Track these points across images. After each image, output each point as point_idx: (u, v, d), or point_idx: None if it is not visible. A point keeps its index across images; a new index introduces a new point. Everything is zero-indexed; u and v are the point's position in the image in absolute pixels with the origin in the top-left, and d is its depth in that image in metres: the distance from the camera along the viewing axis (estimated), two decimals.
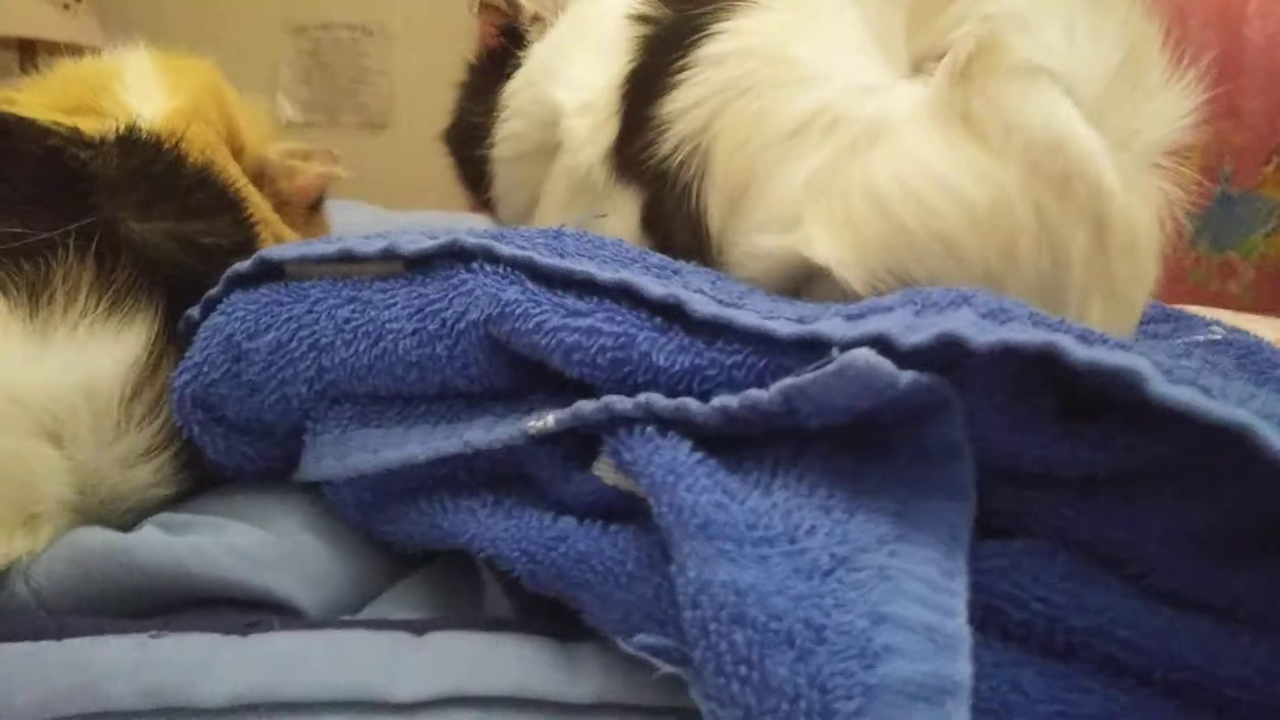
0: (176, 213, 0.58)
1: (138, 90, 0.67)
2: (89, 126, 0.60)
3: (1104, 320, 0.50)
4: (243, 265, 0.53)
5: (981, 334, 0.36)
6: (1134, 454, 0.39)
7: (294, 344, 0.51)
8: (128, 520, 0.53)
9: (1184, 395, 0.33)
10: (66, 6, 2.40)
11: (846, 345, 0.38)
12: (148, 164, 0.60)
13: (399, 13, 2.80)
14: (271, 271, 0.54)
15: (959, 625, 0.33)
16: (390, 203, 1.80)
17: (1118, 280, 0.50)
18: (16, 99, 0.62)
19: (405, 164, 2.62)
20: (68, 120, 0.60)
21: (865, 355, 0.36)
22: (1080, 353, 0.35)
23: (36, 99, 0.63)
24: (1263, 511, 0.38)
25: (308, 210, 0.82)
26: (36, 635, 0.43)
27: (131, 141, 0.60)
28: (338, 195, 1.80)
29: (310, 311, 0.51)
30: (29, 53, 2.41)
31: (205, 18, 2.78)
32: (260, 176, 0.75)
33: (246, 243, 0.63)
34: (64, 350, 0.50)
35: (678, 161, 0.58)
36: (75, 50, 0.81)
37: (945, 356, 0.37)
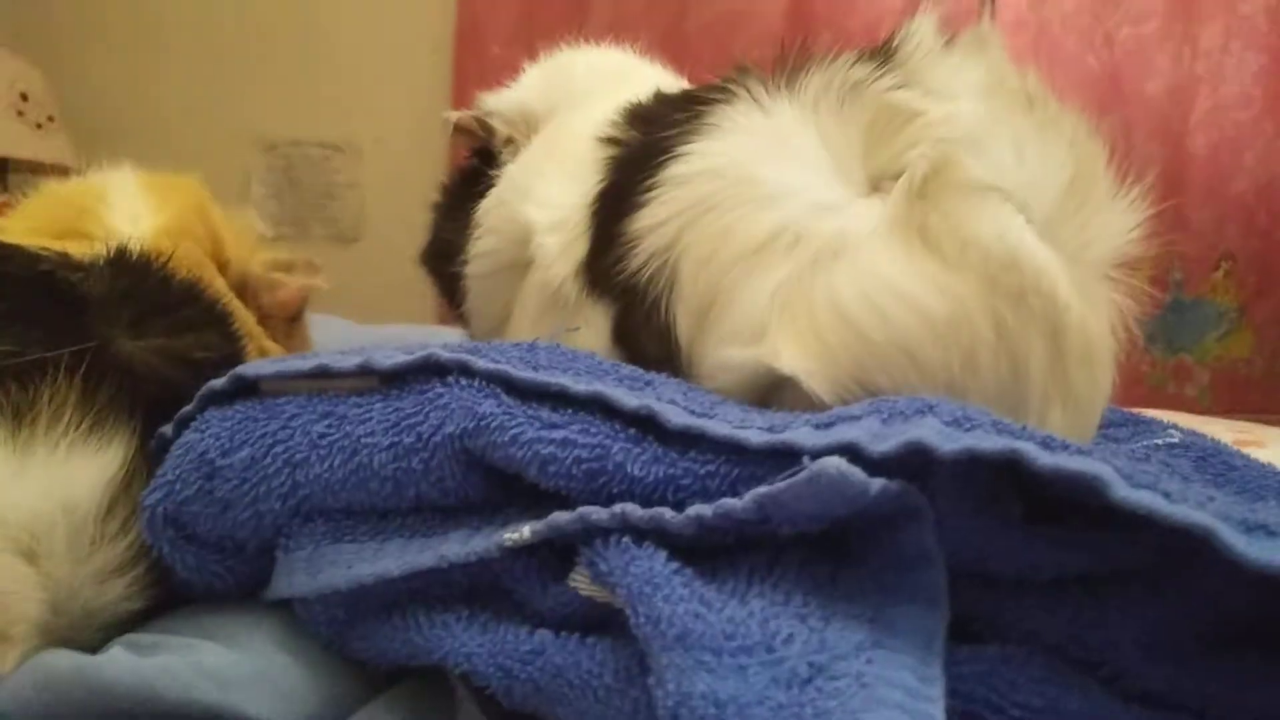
0: (167, 329, 0.59)
1: (123, 210, 0.68)
2: (76, 250, 0.61)
3: (1064, 426, 0.51)
4: (218, 383, 0.54)
5: (947, 442, 0.37)
6: (1101, 556, 0.40)
7: (268, 460, 0.51)
8: (96, 640, 0.52)
9: (1145, 499, 0.34)
10: (39, 126, 2.44)
11: (817, 454, 0.39)
12: (138, 283, 0.61)
13: (368, 130, 2.86)
14: (246, 389, 0.54)
15: None
16: (360, 315, 1.82)
17: (1076, 387, 0.52)
18: (2, 226, 0.62)
19: (374, 277, 2.65)
20: (56, 245, 0.61)
21: (836, 464, 0.37)
22: (1043, 459, 0.36)
23: (21, 225, 0.63)
24: (1229, 611, 0.39)
25: (289, 322, 0.83)
26: None
27: (121, 262, 0.61)
28: (311, 310, 1.81)
29: (285, 428, 0.51)
30: (1, 171, 2.43)
31: (177, 135, 2.82)
32: (244, 289, 0.76)
33: (234, 356, 0.64)
34: (44, 467, 0.50)
35: (647, 276, 0.60)
36: (49, 170, 0.83)
37: (913, 464, 0.38)
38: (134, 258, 0.62)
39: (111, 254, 0.62)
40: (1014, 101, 0.57)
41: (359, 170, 2.89)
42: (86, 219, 0.66)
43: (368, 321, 1.69)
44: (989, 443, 0.37)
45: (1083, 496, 0.35)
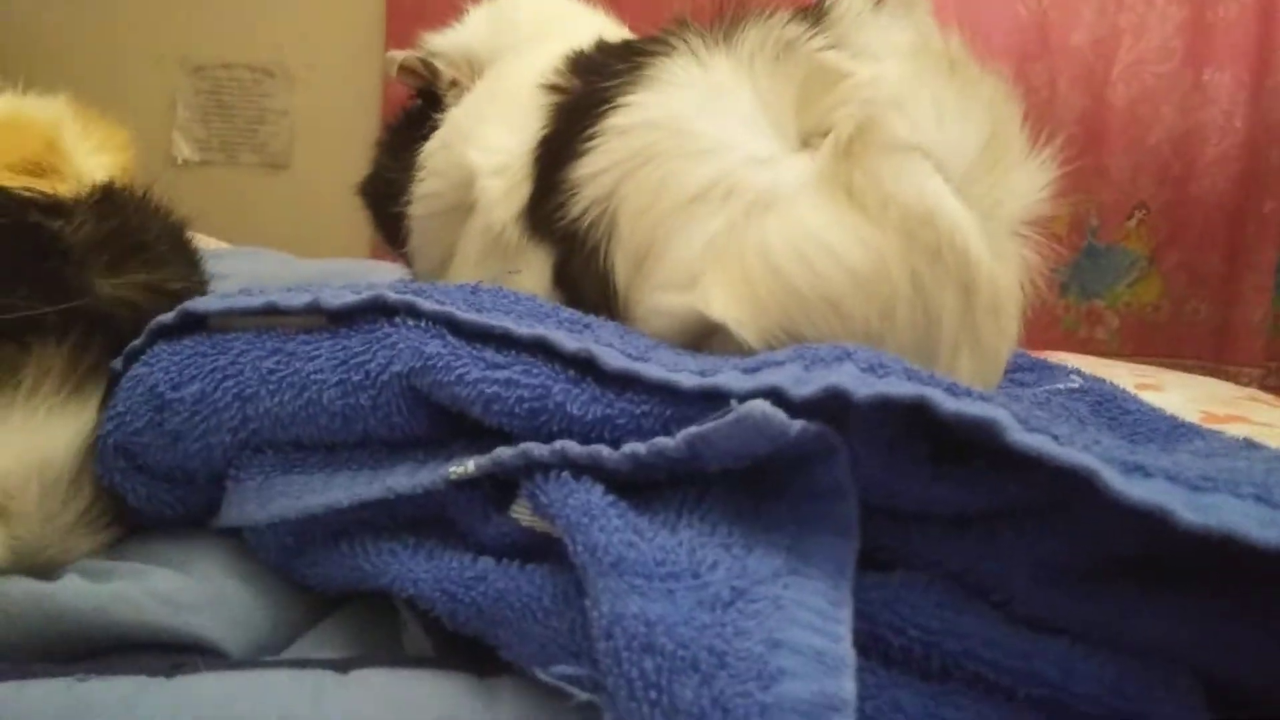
0: (147, 264, 0.59)
1: (80, 144, 0.67)
2: (53, 188, 0.60)
3: (971, 372, 0.55)
4: (166, 317, 0.55)
5: (862, 387, 0.41)
6: (998, 495, 0.43)
7: (218, 394, 0.53)
8: (51, 571, 0.54)
9: (1036, 442, 0.38)
10: None
11: (744, 397, 0.42)
12: (121, 224, 0.61)
13: (300, 54, 2.80)
14: (195, 323, 0.56)
15: (845, 649, 0.37)
16: (289, 242, 1.80)
17: (983, 337, 0.56)
18: None
19: (304, 204, 2.61)
20: (31, 184, 0.60)
21: (761, 406, 0.40)
22: (948, 404, 0.39)
23: None
24: (1111, 546, 0.43)
25: None
26: None
27: (106, 204, 0.61)
28: (239, 239, 1.78)
29: (234, 363, 0.53)
30: None
31: (103, 55, 2.72)
32: None
33: (203, 285, 0.65)
34: (22, 429, 0.51)
35: (587, 223, 0.62)
36: None
37: (831, 407, 0.41)
38: (117, 198, 0.63)
39: (97, 196, 0.62)
40: (937, 63, 0.60)
41: (290, 96, 2.83)
42: (54, 154, 0.64)
43: (297, 250, 1.67)
44: (900, 389, 0.40)
45: (982, 438, 0.39)
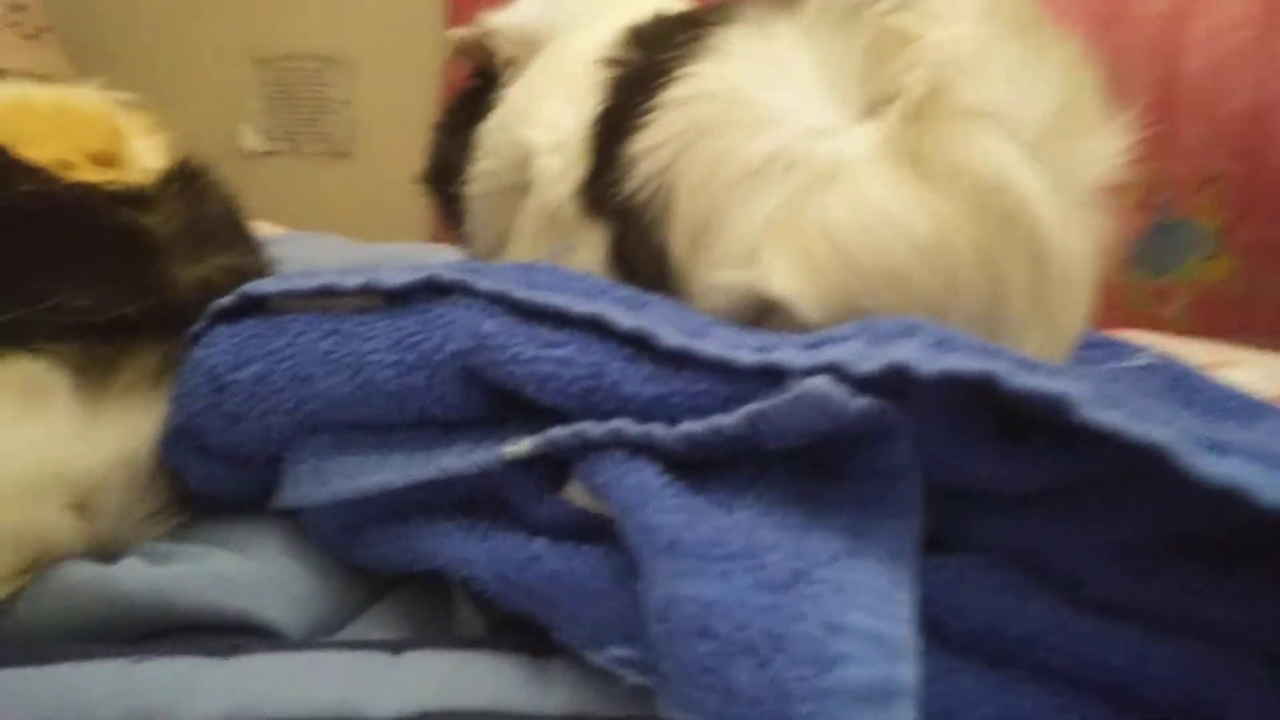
0: (224, 247, 0.61)
1: (136, 132, 0.68)
2: (128, 177, 0.61)
3: (1040, 348, 0.53)
4: (226, 300, 0.55)
5: (927, 363, 0.39)
6: (1065, 472, 0.42)
7: (275, 376, 0.53)
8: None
9: (1109, 419, 0.36)
10: (31, 37, 2.40)
11: (804, 373, 0.41)
12: (199, 208, 0.62)
13: (361, 44, 2.82)
14: (253, 305, 0.56)
15: (906, 633, 0.35)
16: (352, 229, 1.82)
17: (1054, 311, 0.53)
18: (21, 140, 0.60)
19: (366, 192, 2.64)
20: (110, 175, 0.61)
21: (822, 383, 0.39)
22: (1017, 380, 0.37)
23: (54, 147, 0.61)
24: (1183, 526, 0.41)
25: None
26: (23, 662, 0.45)
27: (183, 189, 0.63)
28: (303, 227, 1.80)
29: (291, 344, 0.53)
30: None
31: (171, 49, 2.78)
32: None
33: (270, 267, 0.66)
34: (111, 425, 0.53)
35: (644, 199, 0.61)
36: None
37: (894, 383, 0.40)
38: (190, 183, 0.64)
39: (174, 182, 0.63)
40: (1009, 26, 0.58)
41: (352, 85, 2.86)
42: (120, 142, 0.65)
43: (360, 237, 1.69)
44: (967, 364, 0.38)
45: (1052, 415, 0.37)
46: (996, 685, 0.39)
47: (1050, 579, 0.41)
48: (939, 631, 0.40)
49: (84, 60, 2.46)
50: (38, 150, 0.59)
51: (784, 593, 0.36)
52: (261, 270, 0.64)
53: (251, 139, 2.87)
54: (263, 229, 0.74)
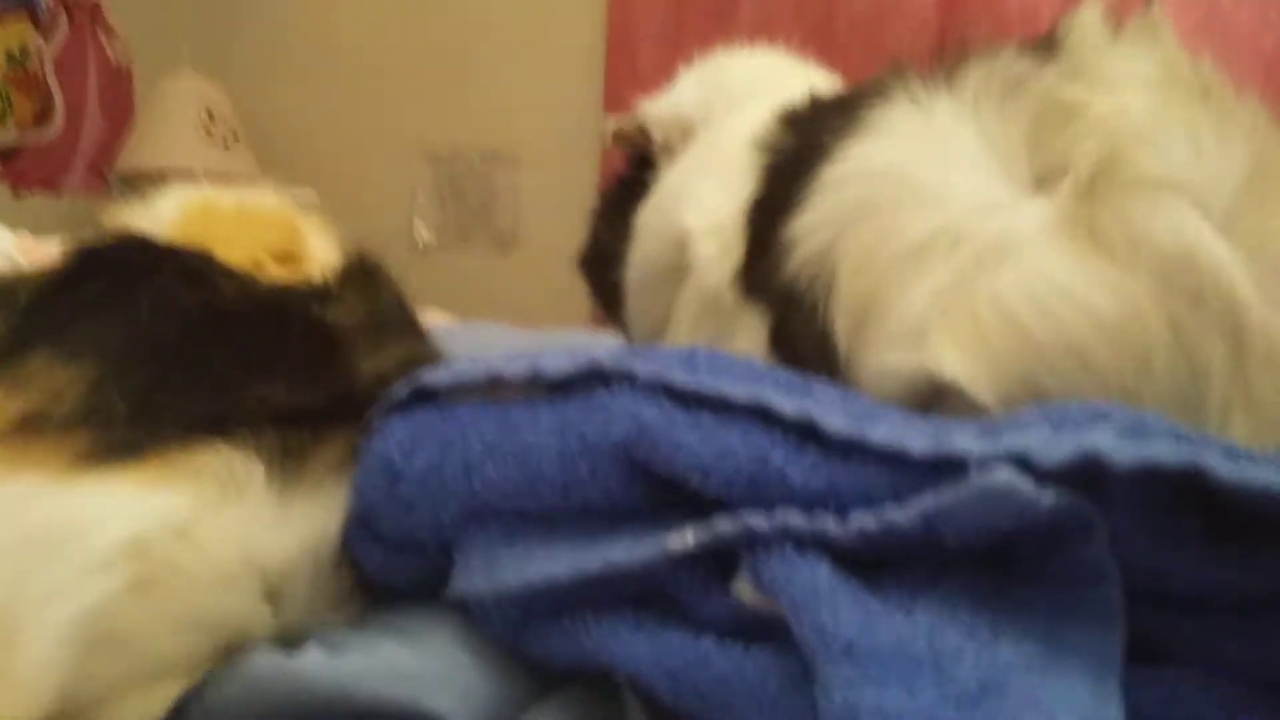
0: (399, 340, 0.64)
1: (310, 230, 0.72)
2: (308, 273, 0.65)
3: (1247, 432, 0.49)
4: (399, 392, 0.57)
5: (1122, 452, 0.36)
6: None
7: (446, 465, 0.53)
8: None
9: None
10: (228, 147, 2.61)
11: (984, 463, 0.39)
12: (375, 302, 0.65)
13: (524, 139, 2.95)
14: (425, 395, 0.57)
15: None
16: (517, 318, 1.87)
17: (1259, 391, 0.49)
18: (212, 242, 0.64)
19: (530, 282, 2.72)
20: (294, 271, 0.65)
21: (1006, 475, 0.36)
22: (1227, 471, 0.34)
23: (242, 246, 0.65)
24: None
25: None
26: None
27: (361, 283, 0.66)
28: (471, 318, 1.87)
29: (461, 434, 0.54)
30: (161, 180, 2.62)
31: (349, 149, 2.98)
32: None
33: (440, 357, 0.68)
34: (302, 514, 0.55)
35: (804, 281, 0.60)
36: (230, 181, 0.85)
37: (1085, 475, 0.37)
38: (367, 277, 0.67)
39: (353, 276, 0.66)
40: (1188, 92, 0.55)
41: (516, 178, 2.97)
42: (299, 240, 0.69)
43: (524, 325, 1.74)
44: (1169, 454, 0.35)
45: (1269, 510, 0.34)
46: None
47: (1277, 694, 0.37)
48: None
49: (270, 161, 2.66)
50: (229, 251, 0.63)
51: (975, 707, 0.34)
52: (432, 359, 0.66)
53: (425, 233, 3.02)
54: (432, 319, 0.76)
